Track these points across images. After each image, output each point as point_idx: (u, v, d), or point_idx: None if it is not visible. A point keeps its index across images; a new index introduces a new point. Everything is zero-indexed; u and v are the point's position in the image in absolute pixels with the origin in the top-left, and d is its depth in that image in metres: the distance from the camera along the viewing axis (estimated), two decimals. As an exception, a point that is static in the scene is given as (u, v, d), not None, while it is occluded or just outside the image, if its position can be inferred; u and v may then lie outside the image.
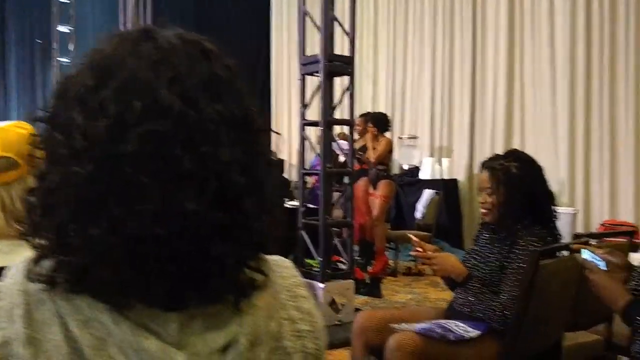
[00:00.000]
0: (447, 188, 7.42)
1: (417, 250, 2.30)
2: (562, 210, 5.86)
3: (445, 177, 7.86)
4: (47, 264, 0.62)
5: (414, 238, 2.37)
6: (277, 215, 0.70)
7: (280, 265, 0.78)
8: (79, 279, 0.61)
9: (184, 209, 0.59)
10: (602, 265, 1.76)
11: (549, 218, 2.35)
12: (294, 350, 0.73)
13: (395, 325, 2.22)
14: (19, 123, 1.47)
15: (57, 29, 9.71)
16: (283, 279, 0.77)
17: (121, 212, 0.58)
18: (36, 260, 0.63)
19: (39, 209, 0.62)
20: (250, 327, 0.66)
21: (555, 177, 6.75)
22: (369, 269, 5.68)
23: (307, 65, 4.50)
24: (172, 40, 0.64)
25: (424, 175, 7.90)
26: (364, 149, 5.88)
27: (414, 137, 8.57)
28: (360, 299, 4.97)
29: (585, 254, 1.79)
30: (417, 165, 8.19)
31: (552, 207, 2.40)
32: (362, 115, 6.38)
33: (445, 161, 8.06)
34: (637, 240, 3.28)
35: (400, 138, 8.55)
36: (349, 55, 4.55)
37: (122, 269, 0.60)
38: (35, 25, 10.13)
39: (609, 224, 5.86)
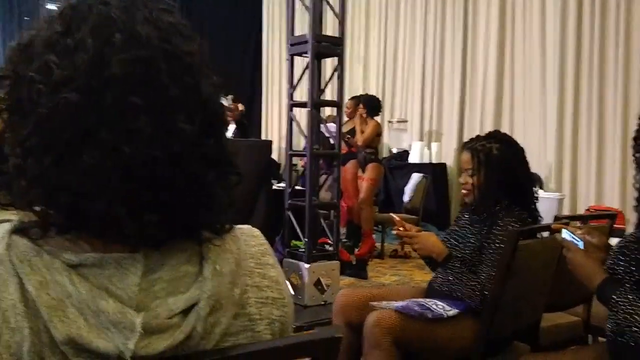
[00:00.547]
0: (435, 172, 7.45)
1: (399, 230, 2.31)
2: (549, 195, 5.92)
3: (434, 161, 7.89)
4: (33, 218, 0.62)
5: (396, 217, 2.38)
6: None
7: (248, 234, 0.79)
8: (70, 217, 0.61)
9: (178, 129, 0.60)
10: (580, 244, 1.78)
11: (529, 200, 2.37)
12: (259, 317, 0.74)
13: (375, 303, 2.24)
14: None
15: (46, 6, 9.60)
16: (249, 246, 0.77)
17: (115, 136, 0.58)
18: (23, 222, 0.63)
19: (20, 158, 0.61)
20: (212, 292, 0.67)
21: (543, 162, 6.80)
22: (356, 251, 5.71)
23: (296, 45, 4.47)
24: None
25: (413, 159, 7.92)
26: (352, 132, 5.88)
27: (404, 121, 8.58)
28: (346, 280, 5.00)
29: (565, 234, 1.81)
30: (407, 149, 8.21)
31: (533, 188, 2.41)
32: (352, 98, 6.37)
33: (434, 145, 8.08)
34: (617, 225, 3.30)
35: (390, 122, 8.55)
36: (338, 36, 4.53)
37: (115, 202, 0.60)
38: (23, 4, 9.99)
39: (594, 209, 5.90)
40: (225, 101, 7.72)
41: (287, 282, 3.28)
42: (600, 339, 2.83)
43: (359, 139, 5.72)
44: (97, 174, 0.59)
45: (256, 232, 0.82)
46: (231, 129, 7.51)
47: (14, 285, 0.60)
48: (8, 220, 0.66)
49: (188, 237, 0.68)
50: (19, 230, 0.64)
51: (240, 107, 7.61)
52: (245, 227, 0.81)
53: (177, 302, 0.65)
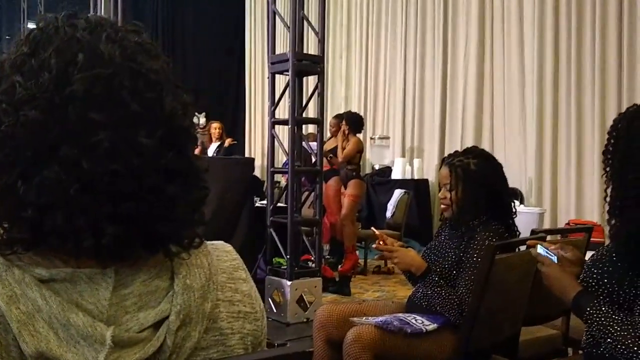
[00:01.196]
0: (418, 188, 7.50)
1: (379, 244, 2.33)
2: (530, 210, 5.98)
3: (417, 177, 7.94)
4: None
5: (377, 232, 2.40)
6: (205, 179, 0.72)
7: (220, 249, 0.80)
8: (34, 233, 0.62)
9: (137, 144, 0.61)
10: (554, 260, 1.81)
11: (507, 214, 2.39)
12: (230, 332, 0.74)
13: (355, 319, 2.24)
14: None
15: (27, 25, 9.59)
16: (221, 261, 0.78)
17: (74, 151, 0.59)
18: None
19: None
20: (182, 306, 0.68)
21: (524, 177, 6.88)
22: (339, 267, 5.71)
23: (277, 64, 4.51)
24: (99, 18, 0.68)
25: (395, 175, 7.96)
26: (335, 150, 5.91)
27: (386, 138, 8.64)
28: (329, 297, 4.99)
29: (539, 249, 1.84)
30: (389, 165, 8.25)
31: (511, 203, 2.44)
32: (336, 117, 6.41)
33: (416, 161, 8.14)
34: (595, 239, 3.34)
35: (372, 138, 8.60)
36: (318, 54, 4.57)
37: (75, 215, 0.61)
38: (4, 22, 9.97)
39: (574, 223, 5.96)
40: (197, 119, 7.73)
41: (269, 300, 3.25)
42: (579, 351, 2.86)
43: (340, 155, 5.75)
44: (56, 188, 0.60)
45: (228, 247, 0.82)
46: (213, 147, 7.51)
47: None
48: None
49: (153, 252, 0.68)
50: None
51: (215, 125, 7.62)
52: (218, 242, 0.82)
53: (148, 317, 0.66)
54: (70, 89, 0.60)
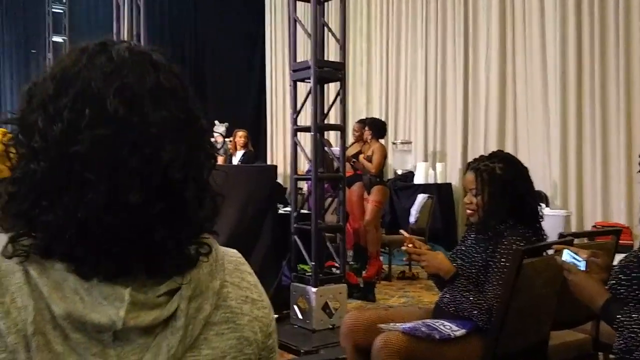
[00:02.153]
0: (441, 192, 7.47)
1: (408, 246, 2.33)
2: (555, 213, 5.91)
3: (439, 181, 7.91)
4: (23, 241, 0.72)
5: (406, 234, 2.40)
6: (218, 202, 0.79)
7: (227, 249, 0.87)
8: (44, 253, 0.71)
9: (128, 201, 0.68)
10: (582, 265, 1.77)
11: (534, 218, 2.38)
12: (240, 312, 0.80)
13: (383, 325, 2.25)
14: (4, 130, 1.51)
15: (52, 39, 9.77)
16: (227, 254, 0.85)
17: (73, 201, 0.68)
18: (12, 239, 0.71)
19: (5, 196, 0.72)
20: (192, 277, 0.75)
21: (548, 179, 6.81)
22: (364, 273, 5.70)
23: (298, 71, 4.54)
24: (123, 53, 0.73)
25: (418, 179, 7.94)
26: (357, 155, 5.92)
27: (408, 142, 8.62)
28: (354, 303, 4.99)
29: (566, 255, 1.81)
30: (411, 170, 8.23)
31: (537, 207, 2.42)
32: (360, 121, 6.43)
33: (439, 166, 8.11)
34: (623, 241, 3.30)
35: (394, 143, 8.60)
36: (340, 61, 4.59)
37: (75, 248, 0.70)
38: (30, 36, 10.16)
39: (600, 226, 5.89)
40: (220, 127, 7.79)
41: (295, 307, 3.27)
42: (610, 356, 2.82)
43: (370, 167, 5.74)
44: (56, 230, 0.69)
45: (234, 250, 0.89)
46: (239, 155, 7.56)
47: (20, 272, 0.70)
48: None
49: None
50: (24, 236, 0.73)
51: (240, 134, 7.64)
52: (226, 248, 0.88)
53: (161, 286, 0.74)
54: (74, 148, 0.67)
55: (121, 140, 0.68)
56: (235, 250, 0.88)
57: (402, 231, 2.55)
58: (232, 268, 0.83)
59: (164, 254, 0.73)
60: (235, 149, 7.62)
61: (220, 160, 6.66)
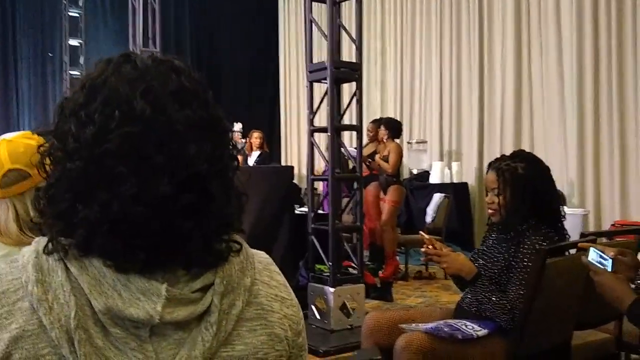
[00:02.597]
0: (457, 192, 7.44)
1: (428, 248, 2.32)
2: (573, 212, 5.86)
3: (455, 181, 7.88)
4: (62, 241, 0.75)
5: (425, 236, 2.40)
6: (243, 201, 0.83)
7: (256, 251, 0.89)
8: (83, 250, 0.75)
9: (158, 192, 0.72)
10: (608, 265, 1.74)
11: (556, 218, 2.37)
12: (270, 309, 0.83)
13: (404, 326, 2.25)
14: (26, 134, 1.49)
15: (68, 42, 9.86)
16: (257, 255, 0.88)
17: (107, 196, 0.72)
18: (51, 238, 0.75)
19: (45, 200, 0.76)
20: (224, 274, 0.78)
21: (565, 178, 6.76)
22: (380, 273, 5.70)
23: (315, 72, 4.54)
24: (146, 61, 0.79)
25: (434, 179, 7.91)
26: (373, 155, 5.91)
27: (423, 142, 8.59)
28: (371, 303, 4.99)
29: (592, 254, 1.78)
30: (427, 169, 8.20)
31: (559, 207, 2.41)
32: (373, 121, 6.41)
33: (454, 165, 8.08)
34: (646, 239, 3.26)
35: (410, 143, 8.57)
36: (356, 61, 4.59)
37: (110, 242, 0.73)
38: (47, 39, 10.25)
39: (619, 224, 5.83)
40: (237, 126, 7.81)
41: (313, 307, 3.29)
42: (633, 356, 2.80)
43: (387, 167, 5.73)
44: (93, 225, 0.72)
45: (265, 254, 0.92)
46: (254, 155, 7.58)
47: (61, 270, 0.74)
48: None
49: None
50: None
51: (256, 134, 7.66)
52: (255, 250, 0.90)
53: (195, 283, 0.77)
54: (106, 146, 0.72)
55: (148, 138, 0.72)
56: (263, 252, 0.91)
57: (421, 232, 2.55)
58: (261, 267, 0.86)
59: (192, 247, 0.76)
60: (251, 150, 7.64)
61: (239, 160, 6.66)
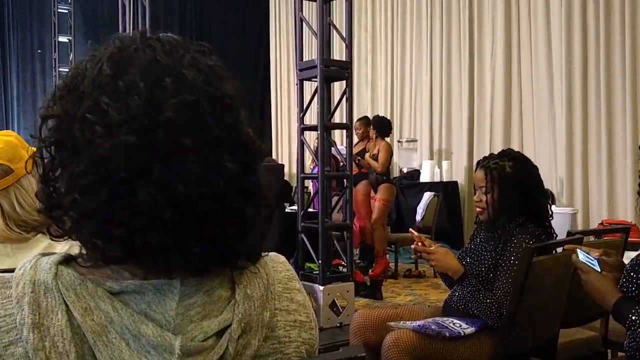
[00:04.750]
0: (447, 190, 7.47)
1: (417, 245, 2.33)
2: (561, 210, 5.90)
3: (445, 179, 7.91)
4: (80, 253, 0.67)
5: (415, 233, 2.40)
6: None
7: (275, 260, 0.83)
8: (126, 251, 0.65)
9: (223, 168, 0.65)
10: (596, 265, 1.78)
11: (544, 217, 2.38)
12: (288, 340, 0.77)
13: (392, 324, 2.25)
14: (3, 132, 1.53)
15: (57, 39, 9.81)
16: (277, 272, 0.81)
17: (167, 175, 0.62)
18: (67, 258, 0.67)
19: (69, 195, 0.64)
20: (243, 315, 0.71)
21: (554, 177, 6.80)
22: (370, 271, 5.71)
23: (305, 70, 4.54)
24: (171, 39, 0.70)
25: (424, 178, 7.94)
26: (362, 153, 5.92)
27: (413, 141, 8.62)
28: (361, 301, 5.00)
29: (581, 255, 1.81)
30: (417, 168, 8.23)
31: (547, 205, 2.43)
32: (360, 119, 6.43)
33: (444, 164, 8.11)
34: (632, 239, 3.30)
35: (400, 141, 8.59)
36: (346, 60, 4.60)
37: (166, 235, 0.64)
38: (36, 36, 10.20)
39: (607, 223, 5.88)
40: None
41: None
42: (619, 353, 2.82)
43: (377, 166, 5.73)
44: (151, 209, 0.63)
45: (282, 258, 0.85)
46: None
47: (62, 312, 0.64)
48: (52, 253, 0.71)
49: (226, 266, 0.72)
50: (65, 261, 0.69)
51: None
52: (271, 254, 0.84)
53: (211, 325, 0.69)
54: (164, 115, 0.62)
55: (204, 108, 0.65)
56: (281, 259, 0.85)
57: (411, 230, 2.55)
58: (281, 289, 0.79)
59: (251, 234, 0.70)
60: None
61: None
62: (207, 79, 0.67)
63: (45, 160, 0.67)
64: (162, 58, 0.66)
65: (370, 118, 6.49)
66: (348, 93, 4.58)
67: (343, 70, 4.54)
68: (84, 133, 0.63)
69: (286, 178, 8.67)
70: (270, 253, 0.83)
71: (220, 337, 0.69)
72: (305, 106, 4.65)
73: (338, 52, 6.42)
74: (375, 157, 5.78)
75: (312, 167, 6.16)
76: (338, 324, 4.18)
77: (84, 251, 0.68)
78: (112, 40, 0.69)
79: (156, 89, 0.63)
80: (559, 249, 2.34)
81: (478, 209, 2.41)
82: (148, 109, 0.62)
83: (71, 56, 9.76)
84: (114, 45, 0.68)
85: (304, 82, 4.69)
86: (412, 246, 2.35)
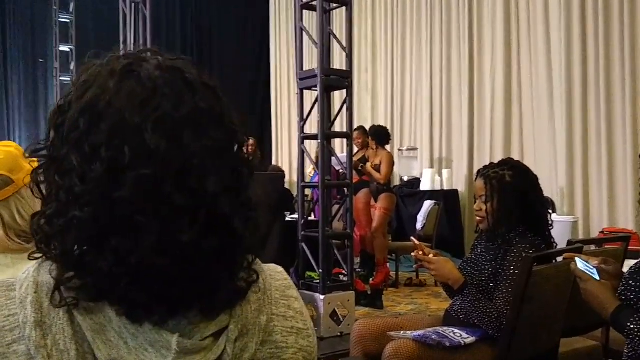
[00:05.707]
0: (447, 199, 7.47)
1: (418, 253, 2.33)
2: (562, 219, 5.90)
3: (446, 187, 7.91)
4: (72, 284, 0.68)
5: (416, 241, 2.40)
6: (260, 220, 0.75)
7: (272, 269, 0.84)
8: (95, 297, 0.67)
9: (179, 240, 0.65)
10: (595, 273, 1.78)
11: (544, 226, 2.38)
12: (285, 346, 0.77)
13: (393, 333, 2.25)
14: (3, 142, 1.53)
15: (59, 48, 9.85)
16: (274, 280, 0.82)
17: (124, 246, 0.64)
18: (59, 282, 0.67)
19: (45, 235, 0.67)
20: (240, 317, 0.72)
21: (554, 186, 6.80)
22: (371, 280, 5.70)
23: (305, 79, 4.56)
24: (153, 75, 0.68)
25: (424, 186, 7.93)
26: (363, 159, 5.93)
27: (414, 149, 8.63)
28: (362, 311, 4.99)
29: (579, 264, 1.81)
30: (418, 176, 8.23)
31: (547, 214, 2.43)
32: (358, 128, 6.43)
33: (445, 172, 8.11)
34: (632, 247, 3.29)
35: (400, 150, 8.60)
36: (346, 69, 4.61)
37: (128, 292, 0.66)
38: (37, 45, 10.24)
39: (608, 232, 5.87)
40: None
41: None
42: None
43: (379, 177, 5.73)
44: (109, 278, 0.65)
45: (279, 268, 0.86)
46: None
47: (63, 312, 0.67)
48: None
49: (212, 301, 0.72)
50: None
51: (250, 142, 7.70)
52: (270, 265, 0.85)
53: (209, 326, 0.70)
54: (118, 194, 0.63)
55: (165, 177, 0.64)
56: (279, 269, 0.85)
57: (412, 238, 2.56)
58: (278, 296, 0.80)
59: (218, 290, 0.70)
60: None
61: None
62: (176, 136, 0.65)
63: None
64: (130, 116, 0.65)
65: (370, 126, 6.50)
66: (348, 102, 4.59)
67: (343, 80, 4.55)
68: (55, 191, 0.67)
69: (287, 186, 8.70)
70: (269, 264, 0.84)
71: (217, 338, 0.70)
72: (305, 115, 4.66)
73: (338, 62, 6.44)
74: (377, 168, 5.78)
75: (311, 175, 6.17)
76: (339, 334, 4.17)
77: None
78: (92, 74, 0.69)
79: (118, 157, 0.63)
80: (559, 258, 2.35)
81: (478, 218, 2.42)
82: (106, 181, 0.63)
83: (72, 65, 9.79)
84: (89, 90, 0.67)
85: (305, 91, 4.70)
86: (413, 254, 2.36)
